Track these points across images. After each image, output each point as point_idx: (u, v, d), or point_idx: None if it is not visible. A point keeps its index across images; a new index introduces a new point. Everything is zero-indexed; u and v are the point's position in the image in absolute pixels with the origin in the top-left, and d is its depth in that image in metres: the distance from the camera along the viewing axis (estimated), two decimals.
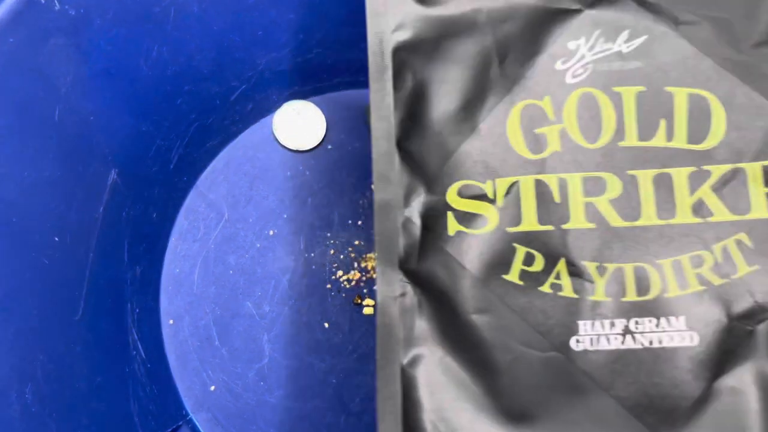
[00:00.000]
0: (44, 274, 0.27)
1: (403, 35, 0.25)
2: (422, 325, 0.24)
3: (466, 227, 0.24)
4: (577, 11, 0.25)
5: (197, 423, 0.34)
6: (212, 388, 0.34)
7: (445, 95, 0.25)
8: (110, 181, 0.31)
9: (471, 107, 0.25)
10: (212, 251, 0.35)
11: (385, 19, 0.25)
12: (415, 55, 0.25)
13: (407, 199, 0.25)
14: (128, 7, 0.28)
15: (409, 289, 0.24)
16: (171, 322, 0.35)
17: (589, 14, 0.25)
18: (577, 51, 0.25)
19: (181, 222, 0.36)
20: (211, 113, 0.34)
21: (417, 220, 0.24)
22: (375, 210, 0.25)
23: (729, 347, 0.23)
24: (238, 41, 0.32)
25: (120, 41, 0.29)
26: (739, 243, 0.23)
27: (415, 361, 0.24)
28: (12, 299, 0.26)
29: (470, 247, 0.24)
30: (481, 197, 0.24)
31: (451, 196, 0.24)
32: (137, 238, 0.33)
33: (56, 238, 0.28)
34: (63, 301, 0.28)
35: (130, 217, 0.32)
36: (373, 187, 0.25)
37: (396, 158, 0.25)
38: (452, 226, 0.24)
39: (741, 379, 0.22)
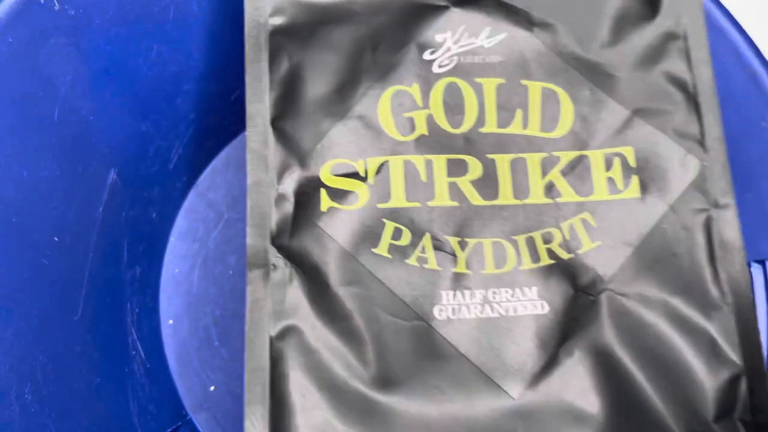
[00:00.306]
0: (43, 274, 0.27)
1: (280, 20, 0.27)
2: (293, 297, 0.25)
3: (338, 203, 0.25)
4: (445, 7, 0.27)
5: (197, 423, 0.34)
6: (212, 388, 0.34)
7: (320, 79, 0.26)
8: (110, 181, 0.31)
9: (344, 91, 0.26)
10: (212, 251, 0.35)
11: (262, 2, 0.27)
12: (291, 40, 0.26)
13: (281, 177, 0.25)
14: (127, 7, 0.28)
15: (281, 263, 0.25)
16: (170, 322, 0.35)
17: (455, 11, 0.27)
18: (444, 43, 0.26)
19: (181, 222, 0.36)
20: (211, 113, 0.34)
21: (290, 197, 0.25)
22: (248, 186, 0.25)
23: (575, 315, 0.25)
24: (238, 41, 0.32)
25: (119, 41, 0.29)
26: (584, 221, 0.26)
27: (284, 333, 0.24)
28: (11, 299, 0.26)
29: (342, 222, 0.25)
30: (353, 175, 0.26)
31: (324, 174, 0.25)
32: (136, 238, 0.33)
33: (55, 238, 0.28)
34: (62, 301, 0.28)
35: (130, 217, 0.32)
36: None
37: (271, 137, 0.26)
38: (325, 202, 0.25)
39: (583, 343, 0.25)
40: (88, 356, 0.29)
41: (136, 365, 0.32)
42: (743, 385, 0.25)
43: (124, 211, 0.32)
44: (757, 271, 0.29)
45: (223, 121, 0.35)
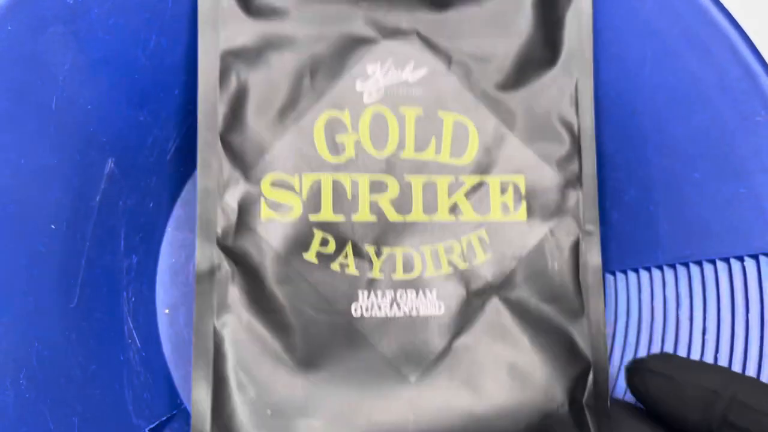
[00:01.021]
0: (40, 261, 0.27)
1: (231, 42, 0.30)
2: (233, 293, 0.29)
3: (276, 213, 0.29)
4: (376, 41, 0.30)
5: (192, 412, 0.34)
6: None
7: (264, 99, 0.30)
8: (107, 170, 0.31)
9: (285, 112, 0.30)
10: None
11: (215, 25, 0.30)
12: (240, 61, 0.30)
13: (227, 187, 0.29)
14: None
15: (224, 262, 0.29)
16: (166, 311, 0.35)
17: (385, 44, 0.30)
18: (373, 75, 0.30)
19: (178, 212, 0.36)
20: None
21: (234, 205, 0.29)
22: (198, 193, 0.29)
23: (466, 315, 0.30)
24: None
25: (118, 30, 0.29)
26: (480, 237, 0.30)
27: (226, 323, 0.29)
28: (7, 285, 0.26)
29: (278, 230, 0.29)
30: (290, 189, 0.29)
31: (265, 187, 0.29)
32: (133, 228, 0.33)
33: (52, 226, 0.28)
34: (59, 288, 0.28)
35: (127, 207, 0.32)
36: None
37: (219, 148, 0.29)
38: (264, 211, 0.29)
39: (472, 339, 0.30)
40: (84, 344, 0.29)
41: (132, 353, 0.32)
42: (590, 377, 0.30)
43: (121, 200, 0.32)
44: (750, 265, 0.29)
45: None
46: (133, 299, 0.33)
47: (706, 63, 0.29)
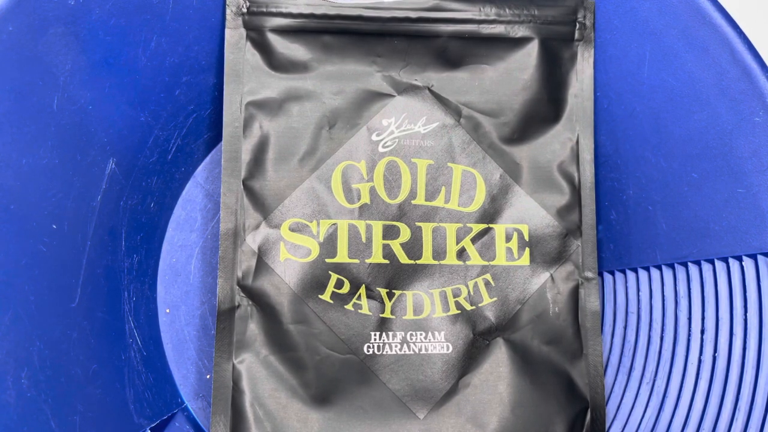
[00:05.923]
0: (42, 260, 0.27)
1: (254, 94, 0.31)
2: (252, 330, 0.30)
3: (294, 255, 0.31)
4: (391, 96, 0.32)
5: (192, 411, 0.34)
6: (208, 376, 0.35)
7: (285, 148, 0.31)
8: (108, 170, 0.31)
9: (305, 160, 0.31)
10: (209, 241, 0.36)
11: (239, 77, 0.31)
12: (262, 112, 0.31)
13: (248, 229, 0.31)
14: None
15: (244, 301, 0.31)
16: (167, 311, 0.35)
17: (400, 99, 0.32)
18: (388, 127, 0.32)
19: (179, 212, 0.36)
20: (209, 104, 0.34)
21: (255, 248, 0.31)
22: (221, 236, 0.31)
23: (472, 355, 0.31)
24: None
25: (118, 31, 0.29)
26: (485, 281, 0.32)
27: (244, 359, 0.30)
28: (9, 285, 0.26)
29: (295, 271, 0.31)
30: (308, 233, 0.31)
31: (284, 230, 0.31)
32: (135, 228, 0.33)
33: (54, 226, 0.28)
34: (60, 288, 0.28)
35: (128, 207, 0.32)
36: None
37: (242, 194, 0.31)
38: (283, 253, 0.31)
39: (477, 378, 0.31)
40: (85, 343, 0.29)
41: (133, 353, 0.32)
42: (589, 416, 0.32)
43: (122, 200, 0.32)
44: (748, 265, 0.29)
45: (221, 112, 0.35)
46: (134, 299, 0.33)
47: (704, 63, 0.29)
